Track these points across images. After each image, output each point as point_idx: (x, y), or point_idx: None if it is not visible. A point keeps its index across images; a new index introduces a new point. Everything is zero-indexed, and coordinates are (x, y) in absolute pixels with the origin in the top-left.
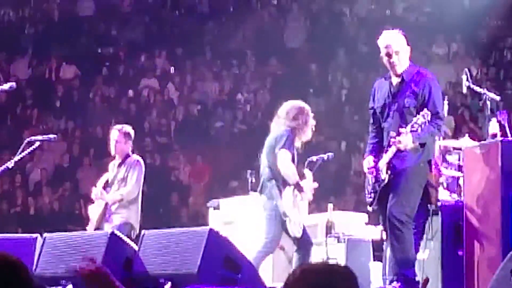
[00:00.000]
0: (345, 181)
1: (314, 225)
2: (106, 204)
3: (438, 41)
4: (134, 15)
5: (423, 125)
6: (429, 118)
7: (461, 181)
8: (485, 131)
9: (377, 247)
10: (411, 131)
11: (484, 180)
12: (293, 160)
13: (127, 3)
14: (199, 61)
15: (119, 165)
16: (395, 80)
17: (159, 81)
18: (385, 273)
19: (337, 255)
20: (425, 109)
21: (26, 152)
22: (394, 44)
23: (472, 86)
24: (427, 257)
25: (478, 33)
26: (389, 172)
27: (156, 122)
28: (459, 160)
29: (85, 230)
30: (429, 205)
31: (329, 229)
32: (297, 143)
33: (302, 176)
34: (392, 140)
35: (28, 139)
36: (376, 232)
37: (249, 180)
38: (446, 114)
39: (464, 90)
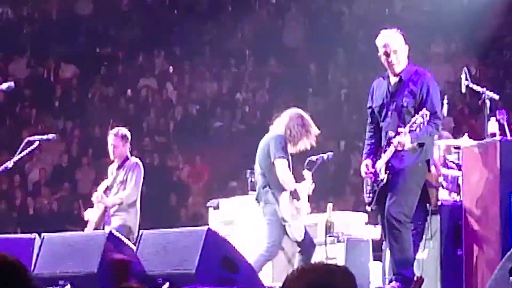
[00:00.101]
0: (344, 180)
1: (313, 225)
2: (106, 207)
3: (437, 40)
4: (133, 14)
5: (421, 125)
6: (427, 118)
7: (460, 181)
8: (484, 130)
9: (377, 247)
10: (409, 131)
11: (483, 180)
12: (289, 166)
13: (125, 2)
14: (198, 61)
15: (118, 168)
16: (393, 80)
17: (158, 80)
18: (385, 273)
19: (337, 255)
20: (424, 109)
21: (25, 152)
22: (392, 43)
23: (471, 85)
24: (427, 256)
25: (477, 32)
26: (387, 172)
27: (154, 122)
28: (458, 159)
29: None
30: (428, 205)
31: (328, 229)
32: (292, 150)
33: (301, 177)
34: (392, 140)
35: (27, 139)
36: (376, 232)
37: (249, 180)
38: (446, 114)
39: (463, 90)
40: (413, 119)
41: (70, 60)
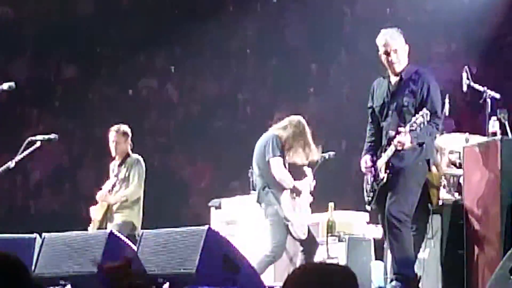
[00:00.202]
0: (346, 180)
1: (315, 224)
2: (109, 205)
3: (438, 39)
4: (134, 14)
5: (422, 125)
6: (428, 118)
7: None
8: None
9: (379, 246)
10: (409, 131)
11: (484, 179)
12: (284, 165)
13: (126, 2)
14: (199, 61)
15: (120, 165)
16: (394, 79)
17: (159, 81)
18: (387, 272)
19: (338, 254)
20: (424, 109)
21: (27, 152)
22: (392, 43)
23: (472, 84)
24: (428, 256)
25: (478, 32)
26: (387, 171)
27: (155, 122)
28: (459, 158)
29: (87, 230)
30: (429, 205)
31: (330, 228)
32: (287, 156)
33: (302, 174)
34: (392, 140)
35: (29, 139)
36: (378, 231)
37: (250, 180)
38: (447, 114)
39: (465, 89)
40: (413, 119)
41: (71, 60)
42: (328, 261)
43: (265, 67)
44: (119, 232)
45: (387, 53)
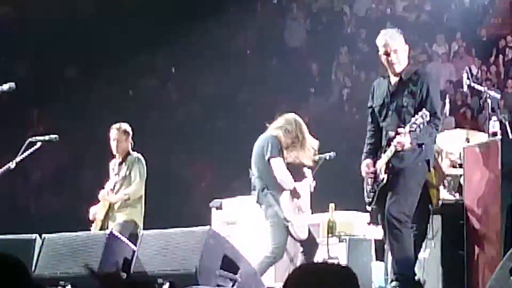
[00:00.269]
0: (346, 180)
1: (315, 225)
2: (110, 204)
3: (439, 39)
4: (134, 15)
5: (421, 126)
6: (427, 119)
7: (461, 180)
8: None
9: (379, 246)
10: (409, 131)
11: (485, 179)
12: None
13: (127, 2)
14: (200, 61)
15: (120, 163)
16: (394, 79)
17: (160, 81)
18: (387, 272)
19: (339, 255)
20: (424, 109)
21: (28, 152)
22: (392, 43)
23: (472, 84)
24: (428, 256)
25: (479, 32)
26: (387, 172)
27: (156, 122)
28: (459, 159)
29: (89, 230)
30: (429, 205)
31: (330, 228)
32: (286, 155)
33: (302, 175)
34: (392, 140)
35: (29, 140)
36: (378, 231)
37: (251, 180)
38: (448, 114)
39: (465, 89)
40: (412, 119)
41: (72, 60)
42: (329, 261)
43: (265, 67)
44: (121, 231)
45: (387, 54)
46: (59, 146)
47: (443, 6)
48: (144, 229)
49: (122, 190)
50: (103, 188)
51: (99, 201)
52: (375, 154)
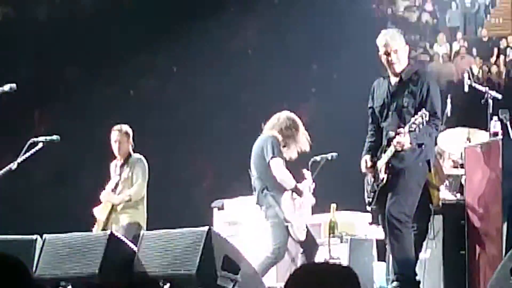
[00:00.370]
0: (348, 180)
1: (317, 225)
2: (113, 205)
3: (440, 40)
4: (135, 14)
5: (421, 126)
6: (427, 118)
7: (463, 180)
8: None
9: (381, 246)
10: (409, 131)
11: (486, 179)
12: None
13: (127, 2)
14: (201, 61)
15: (122, 165)
16: (394, 80)
17: (160, 81)
18: (389, 273)
19: (340, 255)
20: (423, 109)
21: (29, 153)
22: (392, 43)
23: (474, 84)
24: (429, 256)
25: (480, 32)
26: (387, 172)
27: (157, 122)
28: (461, 158)
29: (90, 231)
30: (430, 205)
31: (332, 229)
32: (284, 153)
33: (301, 176)
34: (392, 140)
35: (31, 140)
36: (380, 231)
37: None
38: (449, 114)
39: (466, 89)
40: (412, 119)
41: (72, 60)
42: (330, 261)
43: (266, 67)
44: (125, 233)
45: (387, 54)
46: (60, 146)
47: (444, 6)
48: (146, 230)
49: (124, 191)
50: (104, 188)
51: (100, 201)
52: (374, 151)
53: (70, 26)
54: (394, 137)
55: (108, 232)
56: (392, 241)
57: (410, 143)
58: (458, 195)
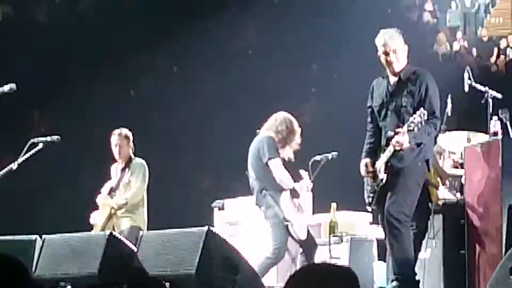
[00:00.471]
0: (348, 180)
1: (317, 225)
2: (112, 209)
3: (440, 39)
4: (135, 14)
5: (419, 125)
6: (425, 118)
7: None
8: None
9: (382, 246)
10: (407, 131)
11: (485, 179)
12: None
13: (128, 2)
14: (201, 61)
15: (123, 169)
16: (393, 79)
17: (161, 81)
18: (389, 272)
19: (341, 255)
20: (422, 109)
21: (30, 153)
22: (391, 43)
23: (474, 84)
24: (429, 256)
25: (480, 32)
26: (386, 171)
27: (157, 122)
28: (461, 158)
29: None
30: (430, 204)
31: (332, 229)
32: (284, 154)
33: (299, 177)
34: (391, 140)
35: (31, 141)
36: (380, 231)
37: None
38: (450, 113)
39: (466, 89)
40: (411, 119)
41: (72, 60)
42: (331, 261)
43: (266, 67)
44: (127, 237)
45: (386, 53)
46: (60, 146)
47: (444, 5)
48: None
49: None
50: (100, 192)
51: (98, 206)
52: (374, 154)
53: (70, 26)
54: (393, 137)
55: (108, 232)
56: (391, 241)
57: (409, 143)
58: (459, 194)
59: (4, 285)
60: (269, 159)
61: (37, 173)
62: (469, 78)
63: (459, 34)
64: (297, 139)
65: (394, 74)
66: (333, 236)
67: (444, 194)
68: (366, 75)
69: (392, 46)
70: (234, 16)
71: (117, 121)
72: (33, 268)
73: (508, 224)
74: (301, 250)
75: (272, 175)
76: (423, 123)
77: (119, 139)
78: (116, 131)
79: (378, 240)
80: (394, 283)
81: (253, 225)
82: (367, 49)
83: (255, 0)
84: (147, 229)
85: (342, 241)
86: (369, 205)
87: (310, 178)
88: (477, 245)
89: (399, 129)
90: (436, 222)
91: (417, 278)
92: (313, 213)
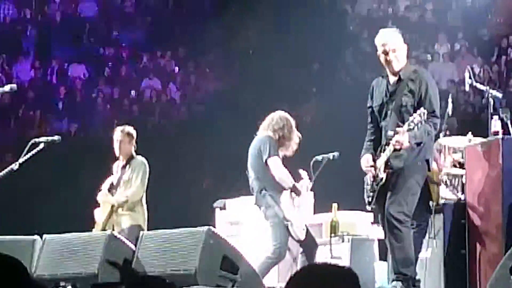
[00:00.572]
0: (349, 180)
1: (318, 225)
2: (112, 206)
3: (441, 39)
4: (137, 15)
5: (419, 124)
6: (425, 117)
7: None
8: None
9: (383, 246)
10: (407, 130)
11: (486, 178)
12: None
13: (129, 3)
14: (202, 61)
15: (124, 166)
16: (392, 79)
17: (162, 81)
18: (390, 272)
19: (342, 255)
20: (422, 108)
21: (31, 153)
22: (390, 42)
23: (475, 84)
24: (430, 255)
25: (481, 31)
26: (387, 171)
27: (159, 122)
28: (462, 158)
29: (90, 232)
30: (431, 203)
31: (333, 228)
32: (282, 153)
33: (298, 176)
34: (391, 139)
35: (32, 141)
36: (381, 231)
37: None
38: (450, 113)
39: (467, 88)
40: (410, 118)
41: (74, 61)
42: (332, 261)
43: (267, 67)
44: (127, 236)
45: (386, 53)
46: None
47: (445, 5)
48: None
49: (122, 192)
50: (101, 189)
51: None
52: (374, 150)
53: (73, 27)
54: (393, 136)
55: (108, 232)
56: (391, 241)
57: (409, 142)
58: (459, 194)
59: (4, 285)
60: (268, 157)
61: (37, 173)
62: (470, 78)
63: (459, 34)
64: (295, 137)
65: (394, 73)
66: (334, 236)
67: (446, 194)
68: (368, 75)
69: (392, 45)
70: (234, 16)
71: (119, 121)
72: (34, 268)
73: (509, 223)
74: (301, 250)
75: (272, 175)
76: (423, 122)
77: (122, 135)
78: (120, 127)
79: (379, 240)
80: (395, 282)
81: (255, 225)
82: (369, 49)
83: (256, 0)
84: (147, 229)
85: (343, 241)
86: (369, 205)
87: (310, 178)
88: (477, 245)
89: (399, 129)
90: (437, 222)
91: (417, 277)
92: (314, 213)
